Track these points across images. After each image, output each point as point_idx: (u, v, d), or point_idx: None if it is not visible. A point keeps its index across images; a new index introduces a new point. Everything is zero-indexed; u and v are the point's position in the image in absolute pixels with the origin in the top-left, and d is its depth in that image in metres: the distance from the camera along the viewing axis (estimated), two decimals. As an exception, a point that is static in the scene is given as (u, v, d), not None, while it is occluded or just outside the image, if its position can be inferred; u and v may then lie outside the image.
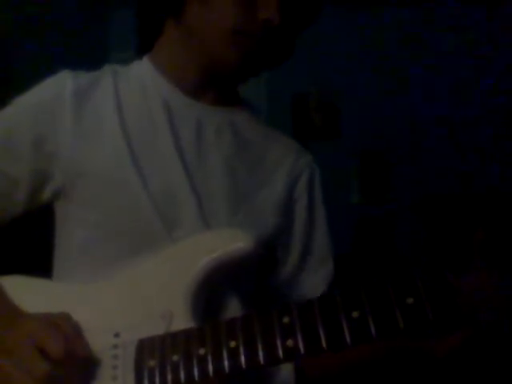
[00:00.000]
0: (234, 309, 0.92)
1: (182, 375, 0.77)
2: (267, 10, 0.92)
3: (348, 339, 0.73)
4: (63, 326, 0.81)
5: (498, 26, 3.33)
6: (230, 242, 0.86)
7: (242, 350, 0.75)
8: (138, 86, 1.01)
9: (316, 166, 1.08)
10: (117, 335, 0.84)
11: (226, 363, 0.76)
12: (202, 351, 0.77)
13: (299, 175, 1.05)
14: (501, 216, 0.78)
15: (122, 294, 0.88)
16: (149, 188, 0.92)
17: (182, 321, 0.83)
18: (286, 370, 0.94)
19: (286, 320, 0.75)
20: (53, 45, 2.74)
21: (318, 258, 1.05)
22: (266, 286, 1.01)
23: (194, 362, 0.77)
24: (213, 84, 1.02)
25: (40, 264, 0.98)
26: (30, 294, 0.92)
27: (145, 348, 0.81)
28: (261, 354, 0.75)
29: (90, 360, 0.82)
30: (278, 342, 0.75)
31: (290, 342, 0.74)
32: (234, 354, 0.76)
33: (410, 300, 0.72)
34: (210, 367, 0.76)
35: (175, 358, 0.78)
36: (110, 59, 1.05)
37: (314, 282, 1.03)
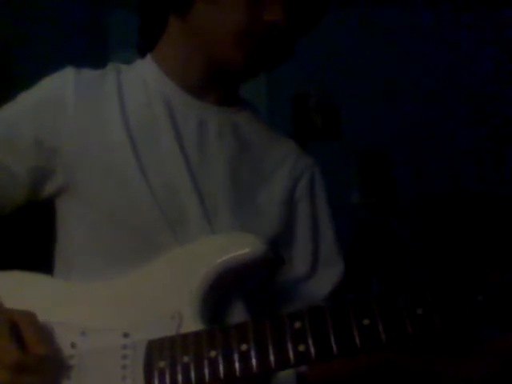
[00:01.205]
0: (242, 312, 0.93)
1: (193, 377, 0.77)
2: (273, 12, 0.92)
3: (359, 345, 0.73)
4: (23, 329, 0.80)
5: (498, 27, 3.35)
6: (242, 245, 0.86)
7: (253, 353, 0.75)
8: (141, 83, 1.01)
9: (317, 167, 1.08)
10: (126, 335, 0.84)
11: (236, 366, 0.75)
12: (212, 353, 0.77)
13: (300, 177, 1.05)
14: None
15: (131, 294, 0.88)
16: (151, 185, 0.92)
17: (192, 322, 0.83)
18: (287, 371, 0.94)
19: (297, 325, 0.75)
20: (53, 44, 2.73)
21: (326, 259, 1.05)
22: (273, 288, 1.01)
23: (205, 363, 0.77)
24: (215, 83, 1.02)
25: (42, 260, 0.98)
26: (32, 291, 0.92)
27: (154, 349, 0.81)
28: (272, 358, 0.75)
29: (54, 358, 0.81)
30: (290, 347, 0.74)
31: (301, 347, 0.74)
32: (244, 358, 0.75)
33: (420, 310, 0.73)
34: (221, 370, 0.76)
35: (185, 359, 0.78)
36: (110, 58, 1.05)
37: (323, 282, 1.03)
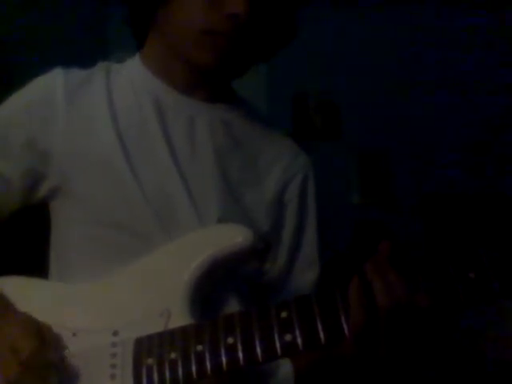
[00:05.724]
0: (232, 306, 0.92)
1: (180, 372, 0.77)
2: (233, 4, 0.89)
3: (346, 333, 0.73)
4: (42, 330, 0.82)
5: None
6: (229, 237, 0.86)
7: (239, 346, 0.75)
8: (130, 82, 1.00)
9: (311, 168, 1.07)
10: (115, 334, 0.84)
11: (223, 359, 0.75)
12: (199, 348, 0.77)
13: (292, 178, 1.04)
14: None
15: (120, 293, 0.88)
16: (142, 186, 0.92)
17: (180, 318, 0.83)
18: (285, 370, 0.93)
19: (284, 315, 0.75)
20: (53, 44, 2.74)
21: (305, 260, 1.04)
22: (258, 284, 1.01)
23: (192, 359, 0.77)
24: (202, 81, 1.00)
25: (36, 264, 0.98)
26: (27, 295, 0.92)
27: (143, 346, 0.81)
28: (259, 349, 0.74)
29: (62, 367, 0.82)
30: (276, 337, 0.74)
31: (288, 337, 0.74)
32: (231, 350, 0.75)
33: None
34: (208, 364, 0.76)
35: (173, 355, 0.78)
36: (109, 59, 1.05)
37: (301, 283, 1.02)
